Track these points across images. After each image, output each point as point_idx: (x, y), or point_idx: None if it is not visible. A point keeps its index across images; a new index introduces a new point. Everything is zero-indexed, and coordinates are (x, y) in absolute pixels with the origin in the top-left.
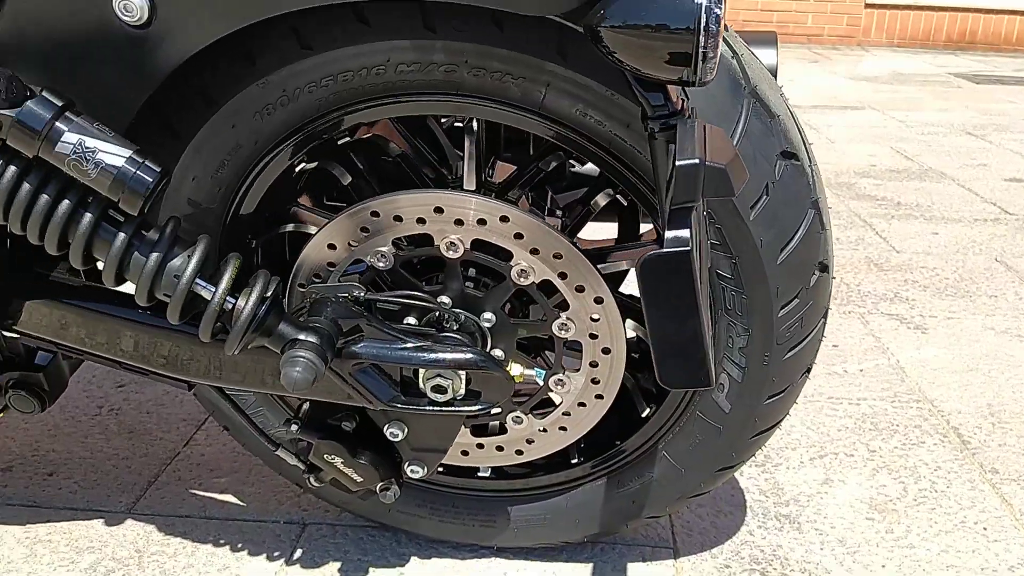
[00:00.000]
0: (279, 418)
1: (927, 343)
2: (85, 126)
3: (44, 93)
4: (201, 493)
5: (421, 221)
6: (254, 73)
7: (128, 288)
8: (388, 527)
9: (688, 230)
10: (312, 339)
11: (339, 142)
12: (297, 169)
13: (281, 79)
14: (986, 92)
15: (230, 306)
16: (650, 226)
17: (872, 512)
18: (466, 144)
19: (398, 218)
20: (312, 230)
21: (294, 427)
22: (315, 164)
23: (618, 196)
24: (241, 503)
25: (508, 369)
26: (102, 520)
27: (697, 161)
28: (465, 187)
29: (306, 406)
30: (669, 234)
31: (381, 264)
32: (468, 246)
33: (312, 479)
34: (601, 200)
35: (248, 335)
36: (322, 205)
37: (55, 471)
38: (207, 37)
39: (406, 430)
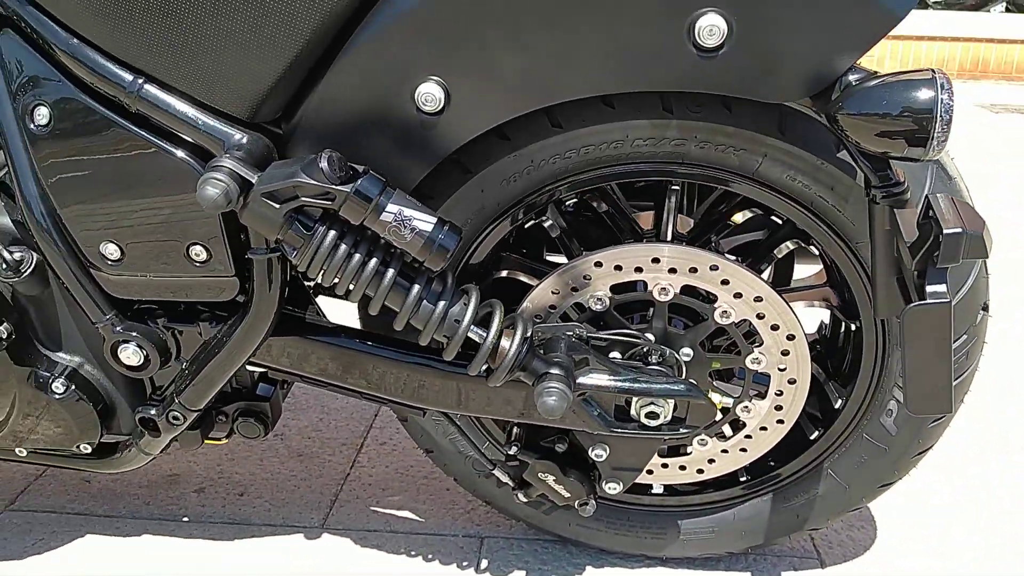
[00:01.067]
0: (480, 442)
1: None
2: (400, 198)
3: (369, 171)
4: (380, 510)
5: (639, 270)
6: (508, 148)
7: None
8: (565, 539)
9: (946, 286)
10: (560, 372)
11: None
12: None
13: (530, 152)
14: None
15: (492, 344)
16: (813, 269)
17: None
18: (668, 201)
19: (618, 267)
20: (522, 277)
21: (514, 449)
22: (530, 220)
23: (805, 245)
24: (419, 519)
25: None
26: (301, 535)
27: (960, 230)
28: (661, 238)
29: (516, 430)
30: (931, 289)
31: (598, 307)
32: (678, 290)
33: (521, 495)
34: (786, 248)
35: (512, 371)
36: (532, 256)
37: (244, 491)
38: (487, 124)
39: (608, 451)
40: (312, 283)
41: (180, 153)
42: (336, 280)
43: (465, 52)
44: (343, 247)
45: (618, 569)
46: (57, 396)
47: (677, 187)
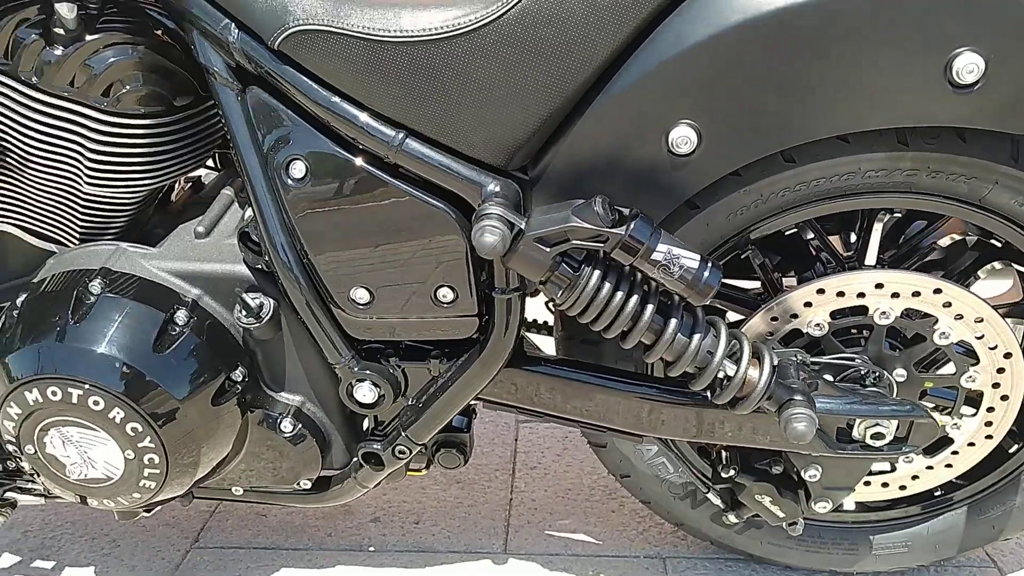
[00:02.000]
0: (675, 466)
1: None
2: (667, 237)
3: (639, 213)
4: (555, 534)
5: (861, 295)
6: (739, 183)
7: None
8: (753, 558)
9: None
10: (803, 398)
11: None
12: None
13: (760, 187)
14: None
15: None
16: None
17: None
18: (877, 227)
19: (840, 293)
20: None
21: (731, 472)
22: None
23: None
24: (596, 541)
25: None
26: (488, 560)
27: None
28: (867, 263)
29: (725, 454)
30: None
31: (817, 332)
32: (899, 314)
33: (732, 516)
34: (994, 267)
35: (760, 400)
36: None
37: (419, 520)
38: (735, 165)
39: (821, 471)
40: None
41: (435, 201)
42: (595, 316)
43: (720, 96)
44: (607, 286)
45: None
46: (286, 435)
47: (898, 215)
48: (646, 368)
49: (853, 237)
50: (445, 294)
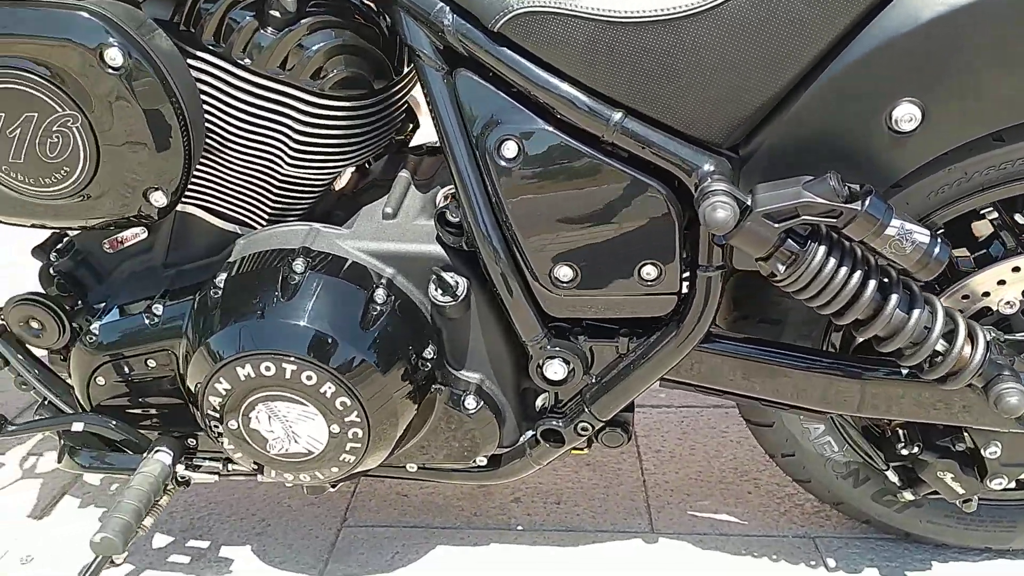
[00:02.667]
0: (839, 445)
1: None
2: (899, 213)
3: (872, 190)
4: (698, 514)
5: None
6: (945, 162)
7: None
8: (912, 536)
9: None
10: (1011, 373)
11: None
12: None
13: (965, 165)
14: None
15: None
16: None
17: None
18: None
19: None
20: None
21: (915, 449)
22: None
23: None
24: (741, 521)
25: None
26: (639, 539)
27: None
28: None
29: (902, 432)
30: None
31: (1008, 310)
32: None
33: (908, 493)
34: None
35: (975, 375)
36: None
37: (560, 500)
38: (956, 142)
39: (1001, 448)
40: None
41: (648, 180)
42: (817, 292)
43: (947, 74)
44: (831, 261)
45: (961, 563)
46: (470, 412)
47: None
48: (823, 345)
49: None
50: (649, 272)
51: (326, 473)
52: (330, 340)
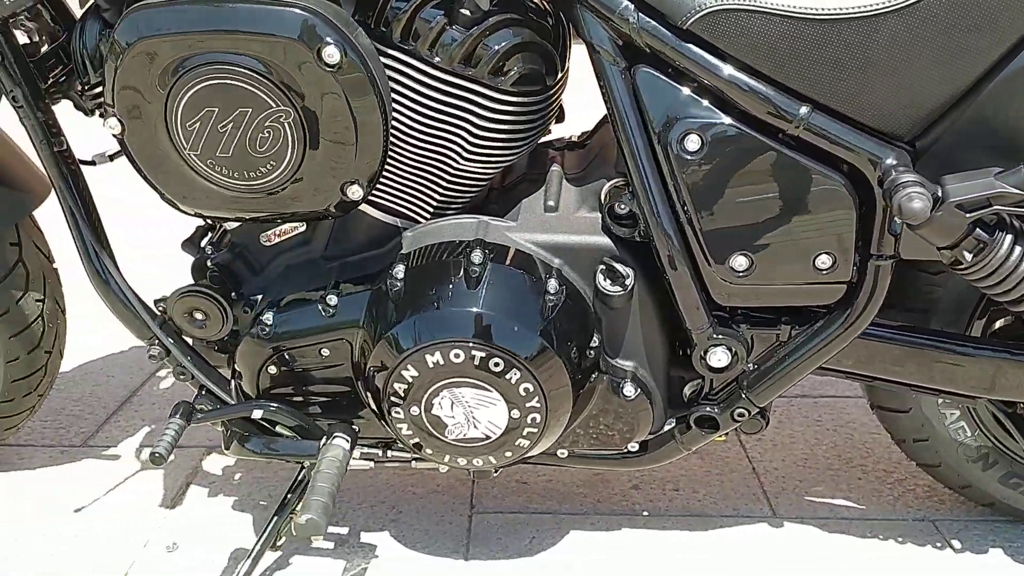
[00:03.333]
0: (972, 430)
1: None
2: None
3: None
4: (814, 499)
5: None
6: None
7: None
8: None
9: None
10: None
11: None
12: None
13: None
14: None
15: None
16: None
17: None
18: None
19: None
20: None
21: None
22: None
23: None
24: (858, 505)
25: None
26: (765, 523)
27: None
28: None
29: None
30: None
31: None
32: None
33: None
34: None
35: None
36: None
37: (677, 487)
38: None
39: None
40: None
41: (830, 172)
42: (1001, 280)
43: None
44: (1018, 250)
45: None
46: (628, 399)
47: None
48: (967, 332)
49: None
50: (824, 261)
51: (499, 458)
52: (516, 328)
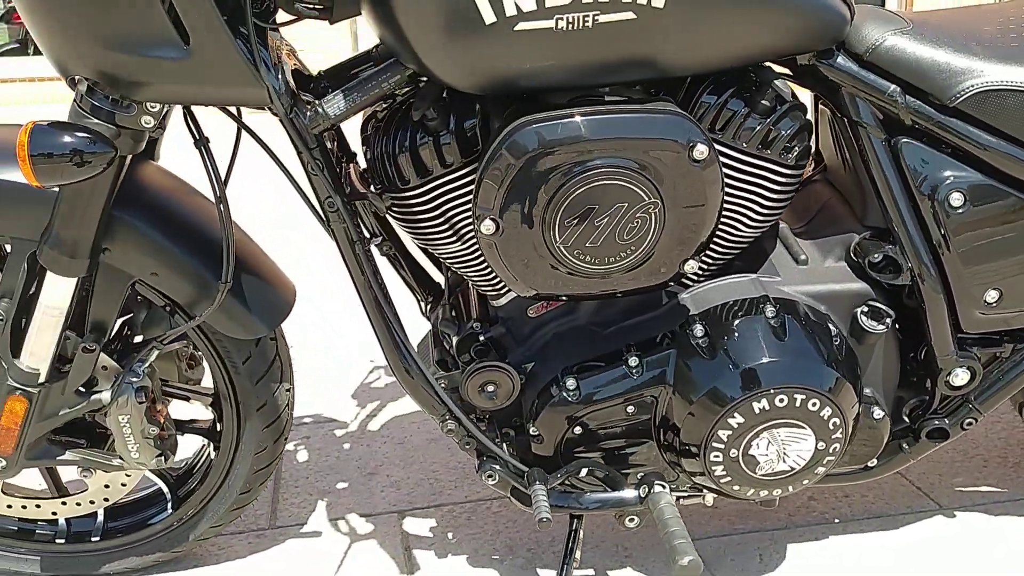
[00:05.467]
0: None
1: None
2: None
3: None
4: (967, 488)
5: None
6: None
7: None
8: None
9: None
10: None
11: None
12: None
13: None
14: None
15: None
16: None
17: None
18: None
19: None
20: None
21: None
22: None
23: None
24: (999, 488)
25: None
26: (939, 516)
27: None
28: None
29: None
30: None
31: None
32: None
33: None
34: None
35: None
36: None
37: (847, 494)
38: None
39: None
40: None
41: None
42: None
43: None
44: None
45: None
46: (877, 420)
47: None
48: None
49: None
50: None
51: (796, 486)
52: (825, 370)
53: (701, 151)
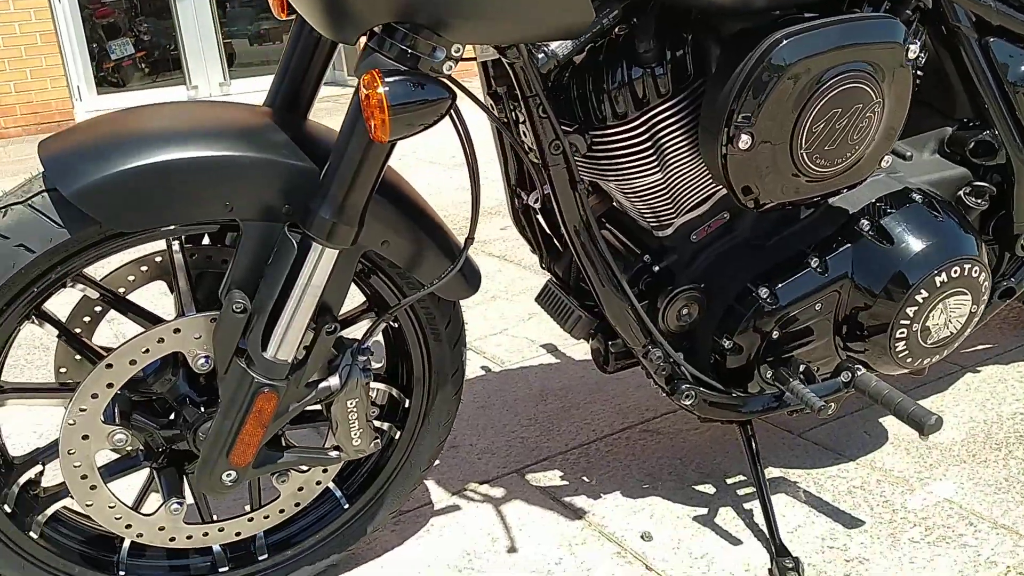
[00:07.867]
0: None
1: None
2: None
3: None
4: None
5: None
6: None
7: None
8: None
9: None
10: None
11: None
12: None
13: None
14: None
15: None
16: None
17: None
18: None
19: None
20: None
21: None
22: None
23: None
24: None
25: None
26: None
27: None
28: None
29: None
30: None
31: None
32: None
33: None
34: None
35: None
36: None
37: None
38: None
39: None
40: None
41: None
42: None
43: None
44: None
45: None
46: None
47: None
48: None
49: None
50: None
51: (949, 350)
52: (975, 240)
53: (913, 50)
